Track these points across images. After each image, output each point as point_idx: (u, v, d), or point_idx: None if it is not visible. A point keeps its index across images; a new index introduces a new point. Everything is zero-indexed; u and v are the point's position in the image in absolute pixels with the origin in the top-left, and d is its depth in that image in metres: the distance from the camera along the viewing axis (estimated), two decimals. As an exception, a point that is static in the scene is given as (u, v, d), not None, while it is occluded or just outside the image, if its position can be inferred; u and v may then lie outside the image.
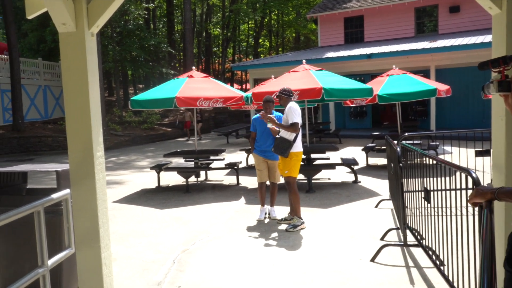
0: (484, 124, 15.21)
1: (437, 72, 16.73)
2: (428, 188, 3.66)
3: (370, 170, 10.14)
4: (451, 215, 3.33)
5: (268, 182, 6.42)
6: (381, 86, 10.22)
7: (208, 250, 5.05)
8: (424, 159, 4.03)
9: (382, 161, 10.92)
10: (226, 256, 4.82)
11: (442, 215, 3.61)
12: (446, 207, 3.50)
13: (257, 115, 6.38)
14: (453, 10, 18.42)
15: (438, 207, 3.68)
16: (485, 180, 6.85)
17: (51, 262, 2.54)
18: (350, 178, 8.99)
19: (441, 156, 10.27)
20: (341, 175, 9.45)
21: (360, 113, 19.96)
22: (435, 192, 3.68)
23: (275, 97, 7.57)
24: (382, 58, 16.91)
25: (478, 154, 6.51)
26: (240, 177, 9.39)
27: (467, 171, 2.61)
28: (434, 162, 3.53)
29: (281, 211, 6.54)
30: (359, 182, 8.66)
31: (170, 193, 8.51)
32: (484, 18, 17.21)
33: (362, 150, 11.05)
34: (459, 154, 7.85)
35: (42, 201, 2.50)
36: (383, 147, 10.68)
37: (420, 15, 19.54)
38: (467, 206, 3.06)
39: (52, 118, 21.10)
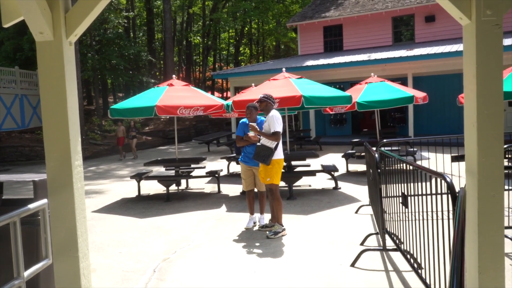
0: (460, 130, 15.54)
1: (414, 79, 17.07)
2: (406, 193, 3.74)
3: (350, 176, 10.25)
4: (427, 220, 3.40)
5: (256, 190, 6.38)
6: (360, 94, 10.39)
7: (189, 259, 5.02)
8: (401, 165, 4.11)
9: (362, 167, 11.05)
10: (207, 264, 4.80)
11: (419, 220, 3.68)
12: (423, 211, 3.58)
13: (245, 119, 6.35)
14: (429, 19, 18.87)
15: (415, 212, 3.75)
16: (461, 184, 7.00)
17: (28, 273, 2.50)
18: (331, 184, 9.07)
19: (418, 162, 10.46)
20: (322, 181, 9.53)
21: (340, 120, 20.18)
22: (412, 197, 3.75)
23: (256, 103, 7.62)
24: (361, 66, 17.19)
25: (454, 159, 6.67)
26: (221, 185, 9.38)
27: (441, 176, 2.68)
28: (411, 167, 3.60)
29: (266, 218, 6.54)
30: (340, 188, 8.74)
31: (151, 202, 8.44)
32: (458, 28, 17.66)
33: (342, 156, 11.17)
34: (436, 160, 8.01)
35: (19, 212, 2.47)
36: (362, 154, 10.83)
37: (397, 24, 19.95)
38: (442, 211, 3.14)
39: (29, 128, 20.70)
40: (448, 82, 17.32)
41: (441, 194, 2.90)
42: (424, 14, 18.97)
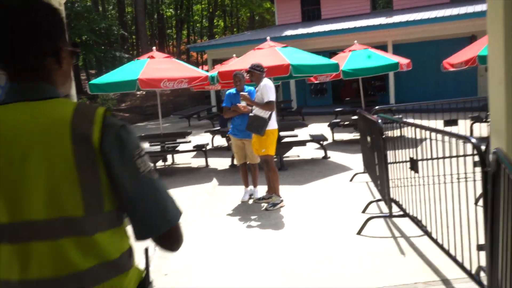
0: (438, 96, 15.65)
1: (394, 47, 17.02)
2: (415, 158, 3.66)
3: (337, 145, 10.22)
4: (439, 184, 3.34)
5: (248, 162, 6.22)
6: (345, 62, 10.24)
7: (188, 235, 4.88)
8: (406, 129, 4.03)
9: (348, 136, 11.06)
10: (208, 240, 4.68)
11: (428, 184, 3.62)
12: (433, 176, 3.52)
13: (233, 89, 6.13)
14: (406, -15, 18.73)
15: (424, 177, 3.69)
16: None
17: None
18: (319, 154, 9.01)
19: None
20: (310, 151, 9.45)
21: (321, 90, 20.09)
22: (422, 162, 3.69)
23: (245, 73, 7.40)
24: (340, 35, 17.00)
25: (446, 123, 6.66)
26: (209, 159, 9.20)
27: (467, 139, 2.59)
28: (428, 132, 3.50)
29: (263, 190, 6.40)
30: (329, 157, 8.69)
31: (138, 179, 8.20)
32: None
33: (328, 126, 11.10)
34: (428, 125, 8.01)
35: None
36: (347, 123, 10.79)
37: (375, -9, 19.74)
38: (458, 173, 3.07)
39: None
40: (428, 49, 17.34)
41: (464, 156, 2.83)
42: (401, -20, 18.80)
